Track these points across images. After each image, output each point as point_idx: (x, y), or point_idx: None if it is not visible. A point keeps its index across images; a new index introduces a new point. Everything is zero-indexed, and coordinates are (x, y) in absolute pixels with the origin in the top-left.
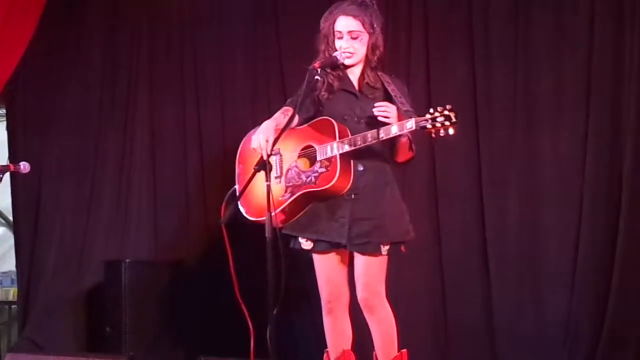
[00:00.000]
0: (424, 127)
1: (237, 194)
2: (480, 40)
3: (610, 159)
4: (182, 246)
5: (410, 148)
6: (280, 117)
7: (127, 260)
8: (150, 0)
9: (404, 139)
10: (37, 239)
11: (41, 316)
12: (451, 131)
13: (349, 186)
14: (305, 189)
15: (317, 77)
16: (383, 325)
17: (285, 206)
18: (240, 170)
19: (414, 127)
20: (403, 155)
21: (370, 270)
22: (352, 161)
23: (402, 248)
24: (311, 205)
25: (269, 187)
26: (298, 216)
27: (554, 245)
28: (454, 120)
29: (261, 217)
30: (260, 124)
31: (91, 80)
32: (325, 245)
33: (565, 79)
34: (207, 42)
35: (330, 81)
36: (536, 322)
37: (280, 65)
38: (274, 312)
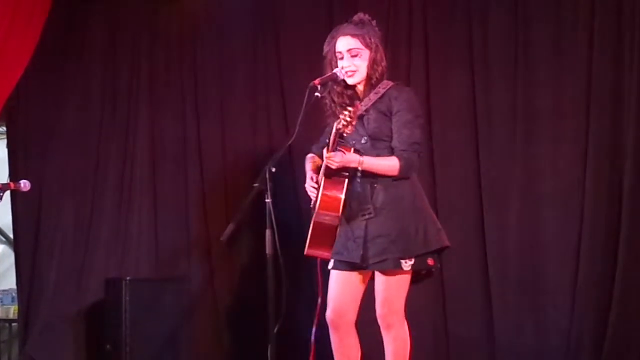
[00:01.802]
0: (339, 128)
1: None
2: (479, 54)
3: (610, 172)
4: (183, 263)
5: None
6: (309, 165)
7: (128, 278)
8: (150, 16)
9: None
10: (38, 257)
11: (42, 334)
12: (354, 123)
13: (341, 203)
14: (313, 217)
15: (317, 94)
16: (397, 343)
17: (311, 235)
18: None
19: (335, 129)
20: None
21: (390, 287)
22: (345, 180)
23: (429, 261)
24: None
25: (269, 204)
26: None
27: (555, 260)
28: (350, 109)
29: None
30: (259, 139)
31: (91, 96)
32: (346, 265)
33: (564, 93)
34: (207, 57)
35: (338, 112)
36: (537, 336)
37: (280, 80)
38: (275, 330)
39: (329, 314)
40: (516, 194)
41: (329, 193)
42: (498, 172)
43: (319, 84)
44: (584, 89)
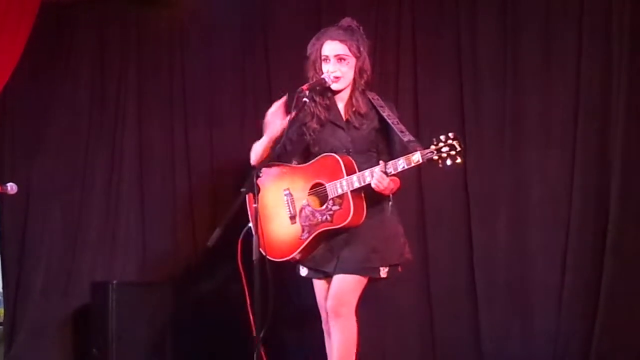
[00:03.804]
0: (430, 159)
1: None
2: (468, 62)
3: (597, 179)
4: (170, 267)
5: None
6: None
7: (115, 282)
8: (138, 20)
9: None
10: (24, 260)
11: (28, 337)
12: (458, 160)
13: (363, 218)
14: (322, 228)
15: (305, 99)
16: (345, 334)
17: (305, 245)
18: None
19: (420, 160)
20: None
21: (349, 285)
22: (363, 194)
23: (399, 268)
24: None
25: (256, 209)
26: (315, 252)
27: (542, 266)
28: (458, 149)
29: (284, 257)
30: (248, 143)
31: (79, 100)
32: (321, 274)
33: (553, 101)
34: (195, 62)
35: (319, 113)
36: (524, 342)
37: (268, 85)
38: (261, 335)
39: (324, 318)
40: (504, 200)
41: (356, 208)
42: (486, 177)
43: (307, 89)
44: (572, 95)
